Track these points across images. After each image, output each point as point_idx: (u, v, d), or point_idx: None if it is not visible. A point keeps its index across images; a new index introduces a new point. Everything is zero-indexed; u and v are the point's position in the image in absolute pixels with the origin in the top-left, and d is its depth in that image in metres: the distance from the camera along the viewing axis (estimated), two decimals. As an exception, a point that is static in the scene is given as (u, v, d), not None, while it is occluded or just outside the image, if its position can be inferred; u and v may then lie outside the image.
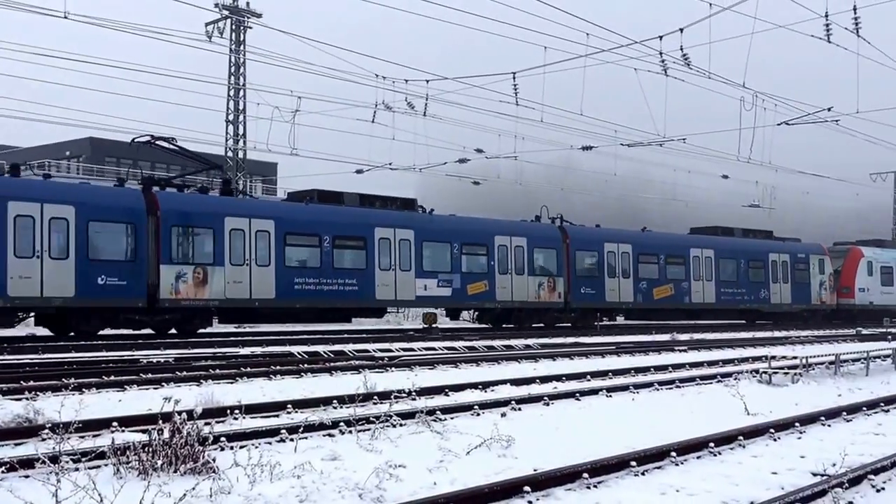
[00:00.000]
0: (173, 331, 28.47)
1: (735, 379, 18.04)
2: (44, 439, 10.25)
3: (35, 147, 59.48)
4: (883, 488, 8.71)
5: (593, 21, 23.06)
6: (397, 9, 25.59)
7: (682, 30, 22.38)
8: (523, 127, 32.72)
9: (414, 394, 14.46)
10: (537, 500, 8.20)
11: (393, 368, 20.18)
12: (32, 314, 27.21)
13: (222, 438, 10.02)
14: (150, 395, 14.88)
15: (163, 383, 16.50)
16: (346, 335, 29.92)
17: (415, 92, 28.73)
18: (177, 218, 27.74)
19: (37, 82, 34.28)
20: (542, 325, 38.25)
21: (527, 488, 8.24)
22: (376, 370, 19.51)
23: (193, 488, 7.43)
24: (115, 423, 11.08)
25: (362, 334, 30.80)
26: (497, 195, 44.00)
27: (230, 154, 44.16)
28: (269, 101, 36.28)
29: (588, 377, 18.77)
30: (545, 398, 14.85)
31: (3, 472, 8.59)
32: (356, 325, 33.76)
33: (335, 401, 13.57)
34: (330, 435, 11.16)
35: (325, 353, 23.50)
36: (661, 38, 23.09)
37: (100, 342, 24.36)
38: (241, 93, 42.33)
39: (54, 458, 7.92)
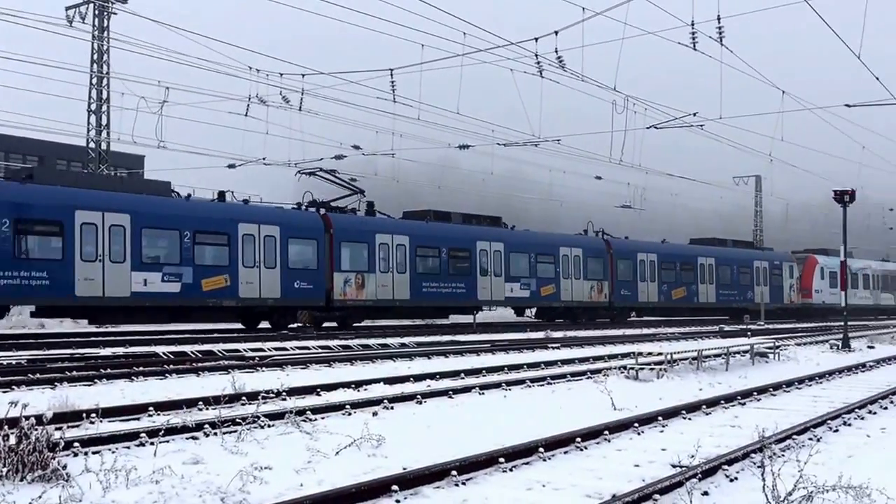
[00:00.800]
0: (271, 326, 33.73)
1: (604, 375, 18.36)
2: None
3: None
4: (736, 478, 9.00)
5: (471, 21, 23.20)
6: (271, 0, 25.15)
7: (556, 32, 22.70)
8: (401, 124, 32.71)
9: (284, 394, 14.21)
10: (405, 498, 8.15)
11: (264, 368, 19.83)
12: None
13: (76, 444, 9.63)
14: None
15: (13, 386, 15.67)
16: (216, 334, 29.30)
17: (290, 86, 28.30)
18: (344, 235, 35.07)
19: None
20: (588, 320, 45.81)
21: (395, 487, 8.19)
22: (246, 370, 19.14)
23: (40, 496, 7.10)
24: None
25: (233, 333, 30.21)
26: (374, 192, 43.90)
27: (92, 145, 42.58)
28: (135, 90, 35.02)
29: (462, 375, 18.85)
30: (418, 397, 14.83)
31: None
32: (223, 325, 33.11)
33: (201, 402, 13.24)
34: (194, 438, 10.86)
35: (192, 353, 22.91)
36: (536, 39, 23.40)
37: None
38: (105, 81, 40.87)
39: None
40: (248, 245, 31.56)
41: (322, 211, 35.55)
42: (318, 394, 15.30)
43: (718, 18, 21.27)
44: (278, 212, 34.30)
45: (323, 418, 12.48)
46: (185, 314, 31.47)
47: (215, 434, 10.92)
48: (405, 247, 37.22)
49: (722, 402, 14.97)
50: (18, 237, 25.90)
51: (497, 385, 17.01)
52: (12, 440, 8.27)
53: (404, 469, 8.90)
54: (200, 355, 22.50)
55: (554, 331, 36.56)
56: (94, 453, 9.39)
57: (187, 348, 23.60)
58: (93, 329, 32.17)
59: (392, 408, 13.83)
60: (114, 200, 28.40)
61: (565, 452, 10.43)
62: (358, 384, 16.52)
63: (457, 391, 15.88)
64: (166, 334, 29.70)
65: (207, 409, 12.86)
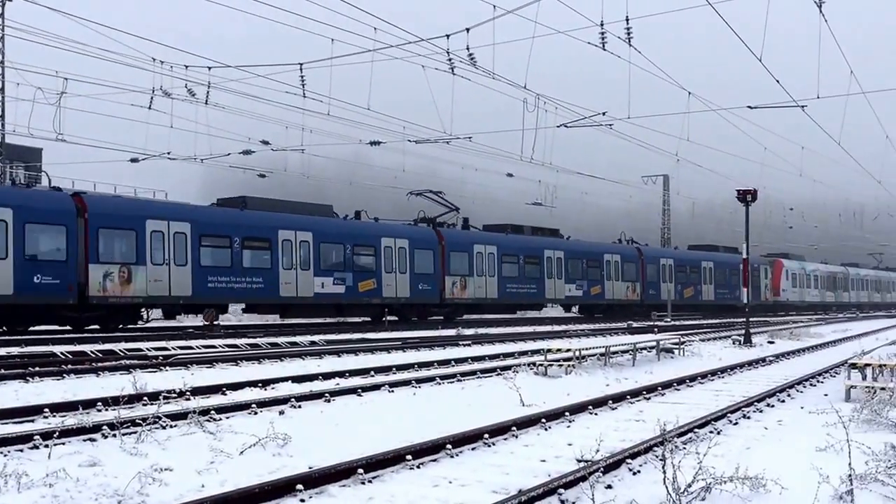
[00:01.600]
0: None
1: (514, 372, 18.51)
2: None
3: None
4: (639, 471, 9.13)
5: (381, 16, 23.06)
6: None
7: (468, 30, 22.72)
8: (311, 119, 32.32)
9: (188, 393, 13.94)
10: (310, 498, 8.07)
11: (168, 368, 19.38)
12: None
13: (-36, 448, 9.26)
14: None
15: None
16: (118, 333, 28.59)
17: (196, 79, 27.67)
18: (452, 246, 43.59)
19: None
20: (624, 316, 52.00)
21: (300, 487, 8.09)
22: (149, 370, 18.68)
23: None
24: None
25: (136, 332, 29.53)
26: (284, 188, 43.38)
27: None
28: (32, 81, 33.79)
29: (372, 373, 18.76)
30: (327, 395, 14.69)
31: None
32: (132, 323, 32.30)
33: (99, 403, 12.88)
34: (91, 439, 10.56)
35: (92, 352, 22.26)
36: (448, 36, 23.37)
37: None
38: (0, 71, 39.47)
39: None
40: (388, 255, 40.21)
41: (432, 226, 44.17)
42: (223, 393, 15.04)
43: (627, 19, 21.56)
44: (407, 228, 42.88)
45: (228, 418, 12.28)
46: (347, 310, 39.91)
47: (114, 435, 10.62)
48: (494, 255, 45.98)
49: (628, 397, 15.20)
50: (243, 252, 34.23)
51: (407, 382, 16.97)
52: None
53: (310, 468, 8.80)
54: (101, 355, 21.89)
55: (465, 328, 36.74)
56: (-17, 457, 9.04)
57: (87, 348, 22.90)
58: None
59: (300, 406, 13.69)
60: (301, 222, 36.83)
61: (473, 449, 10.45)
62: (265, 383, 16.30)
63: (366, 389, 15.80)
64: (65, 333, 28.81)
65: (106, 409, 12.49)
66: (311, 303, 37.31)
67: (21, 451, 9.79)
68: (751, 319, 32.11)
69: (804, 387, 17.58)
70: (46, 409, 12.37)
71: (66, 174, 47.06)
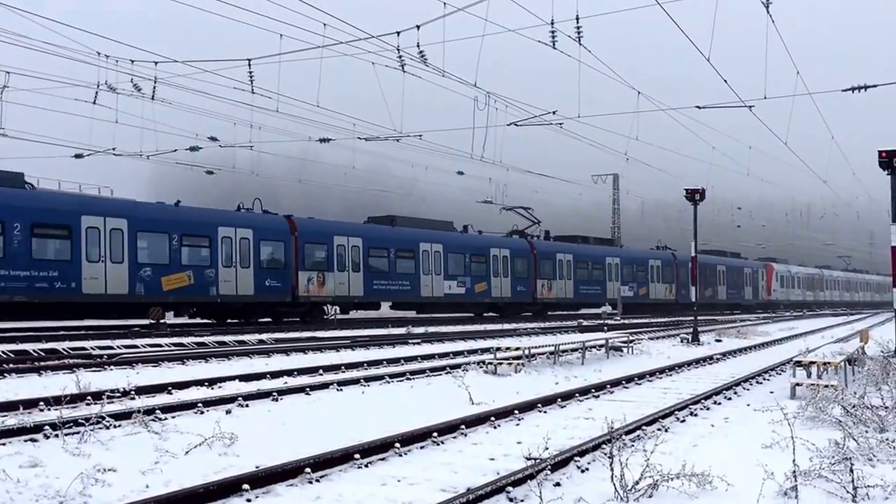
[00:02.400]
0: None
1: (463, 370, 18.49)
2: None
3: None
4: (588, 469, 9.15)
5: (331, 12, 22.88)
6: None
7: (418, 27, 22.65)
8: (259, 116, 31.96)
9: (133, 393, 13.75)
10: (257, 497, 8.00)
11: (112, 367, 19.04)
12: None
13: None
14: None
15: None
16: (62, 332, 28.10)
17: (142, 73, 27.21)
18: (542, 255, 53.05)
19: None
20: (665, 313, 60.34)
21: (246, 486, 8.02)
22: (93, 369, 18.36)
23: None
24: None
25: (81, 331, 29.04)
26: (233, 185, 42.92)
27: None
28: (-29, 74, 33.01)
29: (320, 371, 18.64)
30: (274, 394, 14.57)
31: None
32: (77, 322, 31.74)
33: (41, 402, 12.66)
34: (32, 440, 10.35)
35: (34, 351, 21.83)
36: (398, 33, 23.27)
37: None
38: (-63, 63, 38.56)
39: None
40: (495, 263, 49.28)
41: (526, 238, 53.47)
42: (169, 392, 14.84)
43: (577, 18, 21.59)
44: (507, 239, 52.25)
45: (173, 417, 12.12)
46: (466, 307, 49.29)
47: (56, 436, 10.42)
48: (571, 262, 55.36)
49: (577, 395, 15.26)
50: (396, 261, 42.93)
51: (355, 381, 16.88)
52: None
53: (257, 467, 8.73)
54: (43, 354, 21.48)
55: (415, 327, 36.69)
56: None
57: (29, 346, 22.45)
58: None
59: (247, 405, 13.55)
60: (434, 236, 45.81)
61: (421, 447, 10.42)
62: (212, 382, 16.12)
63: (314, 388, 15.69)
64: (7, 332, 28.22)
65: (49, 409, 12.29)
66: (442, 301, 46.60)
67: (-42, 452, 9.57)
68: (726, 317, 32.44)
69: (750, 384, 17.79)
70: (-15, 410, 12.09)
71: (8, 169, 46.31)
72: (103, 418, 11.00)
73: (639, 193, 72.40)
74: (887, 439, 9.96)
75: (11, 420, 11.04)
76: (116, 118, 29.86)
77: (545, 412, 13.56)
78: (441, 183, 55.96)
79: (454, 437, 11.09)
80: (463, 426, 11.51)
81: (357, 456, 9.39)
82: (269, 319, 37.72)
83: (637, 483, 7.83)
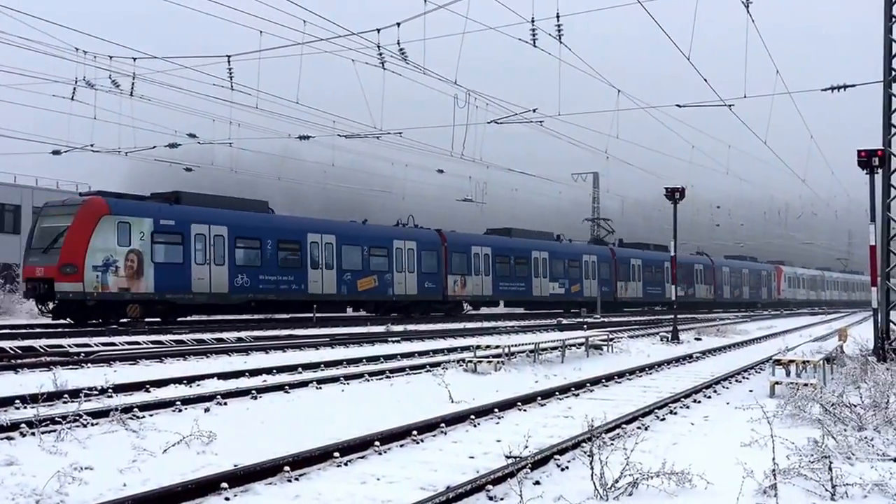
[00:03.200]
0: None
1: (443, 368, 18.47)
2: None
3: None
4: (567, 467, 9.15)
5: (311, 9, 22.78)
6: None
7: (399, 24, 22.60)
8: (239, 113, 31.93)
9: (110, 391, 13.62)
10: (235, 496, 7.94)
11: (89, 365, 18.88)
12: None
13: None
14: None
15: None
16: (39, 329, 27.88)
17: (120, 69, 27.01)
18: (622, 260, 63.14)
19: None
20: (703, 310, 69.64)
21: (224, 485, 7.96)
22: (70, 367, 18.18)
23: None
24: None
25: (59, 328, 28.82)
26: (212, 182, 42.68)
27: None
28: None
29: (300, 369, 18.56)
30: (253, 392, 14.50)
31: None
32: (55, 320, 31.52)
33: (17, 400, 12.52)
34: (9, 438, 10.23)
35: (10, 349, 21.61)
36: (378, 30, 23.22)
37: None
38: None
39: None
40: (586, 267, 59.01)
41: (608, 245, 65.43)
42: (147, 390, 14.74)
43: (557, 16, 21.64)
44: (594, 246, 62.54)
45: (151, 415, 12.05)
46: (565, 305, 57.32)
47: (33, 434, 10.33)
48: (640, 266, 66.15)
49: (557, 393, 15.26)
50: (515, 266, 52.65)
51: (335, 379, 16.82)
52: None
53: (235, 466, 8.67)
54: (20, 351, 21.28)
55: (394, 324, 36.64)
56: None
57: (6, 344, 22.22)
58: None
59: (225, 403, 13.47)
60: (542, 245, 55.77)
61: (401, 446, 10.39)
62: (190, 380, 16.02)
63: (293, 386, 15.62)
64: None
65: (25, 407, 12.18)
66: (548, 300, 55.82)
67: (-67, 451, 9.45)
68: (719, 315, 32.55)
69: (730, 383, 17.86)
70: (-39, 408, 11.97)
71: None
72: (80, 416, 10.89)
73: (619, 192, 72.69)
74: (866, 438, 10.01)
75: (-13, 418, 10.91)
76: (95, 114, 29.69)
77: (525, 410, 13.56)
78: (421, 181, 56.05)
79: (434, 436, 11.07)
80: (443, 424, 11.48)
81: (336, 454, 9.34)
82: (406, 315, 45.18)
83: (617, 481, 7.83)
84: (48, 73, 29.18)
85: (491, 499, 7.88)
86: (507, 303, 55.20)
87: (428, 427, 11.21)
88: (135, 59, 26.56)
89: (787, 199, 75.32)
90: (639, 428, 11.71)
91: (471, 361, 19.20)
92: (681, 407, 14.02)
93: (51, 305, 31.69)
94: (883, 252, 19.85)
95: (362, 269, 42.51)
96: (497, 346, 20.77)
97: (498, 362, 19.42)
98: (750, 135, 30.20)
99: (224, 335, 27.67)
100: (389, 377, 17.84)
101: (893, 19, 19.89)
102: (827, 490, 7.82)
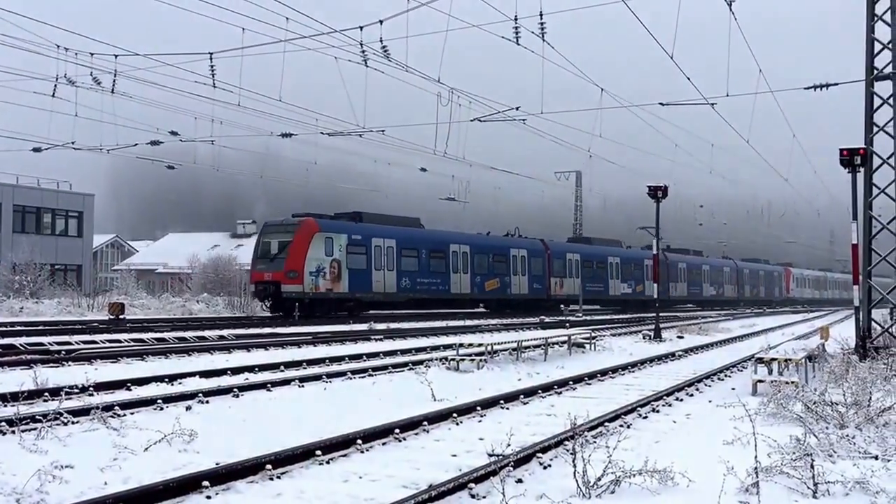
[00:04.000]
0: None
1: (426, 366, 18.43)
2: None
3: None
4: (550, 465, 9.15)
5: (293, 6, 22.68)
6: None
7: (381, 21, 22.53)
8: (221, 110, 31.64)
9: (91, 389, 13.54)
10: (217, 494, 7.91)
11: (70, 363, 18.76)
12: None
13: None
14: None
15: None
16: (19, 327, 27.69)
17: (102, 66, 26.79)
18: (672, 265, 69.55)
19: None
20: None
21: (206, 483, 7.93)
22: (50, 365, 18.04)
23: None
24: None
25: (39, 326, 28.65)
26: (194, 180, 42.60)
27: None
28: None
29: (282, 368, 18.50)
30: (235, 390, 14.44)
31: None
32: (34, 318, 31.35)
33: (-3, 398, 12.42)
34: (-11, 436, 10.15)
35: (-9, 347, 21.48)
36: (361, 28, 23.13)
37: None
38: None
39: None
40: (647, 270, 65.35)
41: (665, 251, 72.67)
42: (128, 388, 14.66)
43: (541, 14, 21.56)
44: (642, 252, 66.42)
45: (132, 414, 11.98)
46: (603, 303, 64.39)
47: (13, 432, 10.24)
48: (685, 268, 75.54)
49: (539, 391, 15.28)
50: (596, 269, 62.36)
51: (317, 377, 16.77)
52: None
53: (217, 464, 8.65)
54: (0, 349, 21.12)
55: (377, 323, 36.60)
56: None
57: (-14, 342, 22.11)
58: None
59: (207, 402, 13.41)
60: (614, 251, 66.09)
61: (384, 444, 10.37)
62: (172, 378, 15.94)
63: (276, 384, 15.56)
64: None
65: (5, 405, 12.07)
66: (620, 299, 65.76)
67: (-90, 450, 9.36)
68: (701, 313, 32.63)
69: (712, 381, 17.92)
70: (-61, 406, 11.87)
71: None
72: (61, 414, 10.79)
73: (601, 190, 72.87)
74: (847, 435, 10.06)
75: (-35, 417, 10.81)
76: (76, 111, 29.45)
77: (508, 409, 13.56)
78: (404, 179, 55.99)
79: (416, 434, 11.05)
80: (425, 423, 11.47)
81: (318, 452, 9.32)
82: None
83: (599, 479, 7.84)
84: (29, 70, 28.95)
85: (473, 497, 7.87)
86: (585, 301, 59.82)
87: (410, 425, 11.19)
88: (116, 56, 26.35)
89: (769, 197, 75.79)
90: (621, 426, 11.72)
91: (453, 360, 19.18)
92: (663, 405, 14.05)
93: (269, 302, 41.34)
94: (865, 250, 19.95)
95: (488, 273, 52.80)
96: (480, 345, 20.78)
97: (481, 361, 19.41)
98: (733, 133, 30.29)
99: (206, 333, 27.56)
100: (372, 375, 17.80)
101: (876, 18, 19.99)
102: (809, 488, 7.85)
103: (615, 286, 65.53)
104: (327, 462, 9.26)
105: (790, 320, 54.01)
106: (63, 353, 20.57)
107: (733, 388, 16.33)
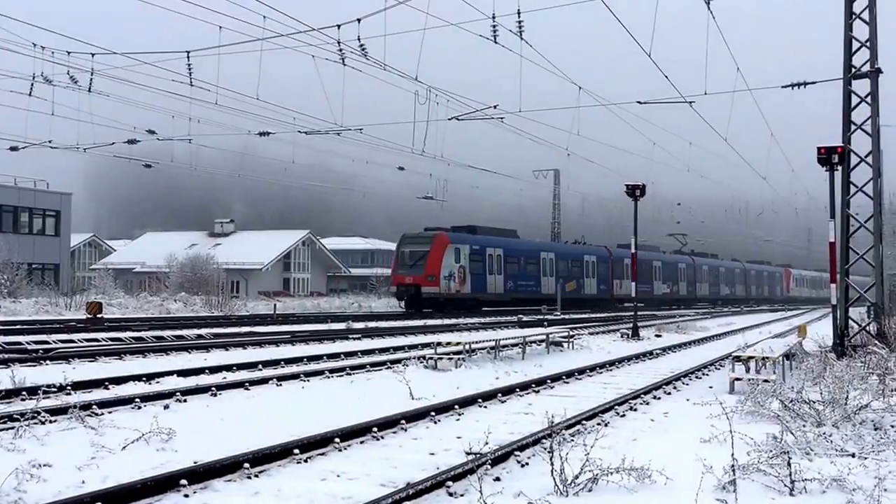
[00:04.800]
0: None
1: (404, 365, 18.42)
2: None
3: None
4: (527, 463, 9.18)
5: (270, 4, 22.57)
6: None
7: (359, 20, 22.47)
8: (198, 109, 31.48)
9: (69, 388, 13.46)
10: (195, 493, 7.88)
11: (48, 362, 18.66)
12: None
13: None
14: None
15: None
16: (-3, 326, 27.48)
17: (78, 65, 26.59)
18: (697, 267, 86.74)
19: None
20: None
21: (184, 482, 7.91)
22: (28, 364, 17.93)
23: None
24: None
25: (17, 325, 28.43)
26: (171, 179, 42.45)
27: None
28: None
29: (260, 367, 18.45)
30: (213, 389, 14.40)
31: None
32: (12, 317, 31.11)
33: (-26, 398, 12.33)
34: (-35, 435, 10.07)
35: (-32, 346, 21.32)
36: (338, 26, 23.07)
37: None
38: None
39: None
40: (680, 272, 79.37)
41: (689, 254, 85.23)
42: (106, 387, 14.58)
43: (518, 12, 21.56)
44: (683, 256, 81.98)
45: (110, 412, 11.94)
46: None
47: (-10, 431, 10.18)
48: (706, 270, 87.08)
49: (517, 390, 15.31)
50: (645, 272, 69.90)
51: (295, 376, 16.74)
52: None
53: (195, 463, 8.61)
54: (-24, 348, 20.97)
55: (356, 322, 36.56)
56: None
57: (-38, 341, 21.92)
58: None
59: (185, 401, 13.36)
60: (656, 256, 76.60)
61: (361, 442, 10.37)
62: (150, 377, 15.87)
63: (254, 383, 15.52)
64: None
65: (-18, 405, 11.98)
66: (658, 299, 75.03)
67: None
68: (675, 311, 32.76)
69: (690, 379, 18.01)
70: (-86, 405, 11.77)
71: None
72: (39, 413, 10.75)
73: (579, 189, 73.18)
74: (824, 433, 10.15)
75: (-59, 416, 10.74)
76: (53, 110, 29.25)
77: (485, 407, 13.58)
78: (381, 178, 56.07)
79: (394, 433, 11.05)
80: (403, 421, 11.47)
81: (296, 451, 9.30)
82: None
83: (577, 477, 7.87)
84: (5, 69, 28.68)
85: (451, 495, 7.88)
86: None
87: (388, 424, 11.19)
88: (93, 55, 26.17)
89: (747, 196, 76.23)
90: (599, 424, 11.76)
91: (431, 358, 19.19)
92: (641, 403, 14.11)
93: (402, 302, 51.52)
94: (842, 249, 20.10)
95: (568, 276, 62.49)
96: (458, 343, 20.79)
97: (459, 359, 19.43)
98: (711, 132, 30.49)
99: (184, 332, 27.44)
100: (350, 374, 17.78)
101: (854, 16, 20.15)
102: (786, 485, 7.91)
103: (658, 287, 76.53)
104: (305, 461, 9.25)
105: (767, 319, 54.31)
106: (41, 352, 20.41)
107: (711, 387, 16.43)
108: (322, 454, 9.61)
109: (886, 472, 8.10)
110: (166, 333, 26.81)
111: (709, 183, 58.59)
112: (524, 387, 15.70)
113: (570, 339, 25.87)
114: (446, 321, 40.41)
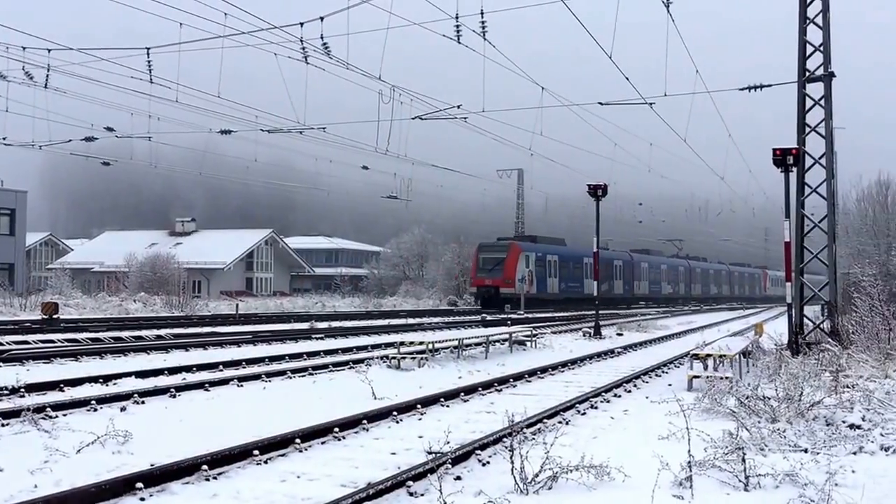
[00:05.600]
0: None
1: (367, 365, 18.37)
2: None
3: None
4: (488, 462, 9.18)
5: (232, 1, 22.37)
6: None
7: (322, 18, 22.35)
8: (158, 106, 31.07)
9: (22, 390, 13.29)
10: (151, 496, 7.80)
11: (1, 364, 18.38)
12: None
13: None
14: None
15: None
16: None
17: (34, 61, 26.19)
18: (693, 269, 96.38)
19: None
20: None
21: (140, 485, 7.82)
22: (-20, 366, 17.70)
23: None
24: None
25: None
26: (131, 177, 42.03)
27: None
28: None
29: (221, 367, 18.31)
30: (172, 390, 14.26)
31: None
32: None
33: (-76, 400, 12.13)
34: (-86, 439, 9.90)
35: (-80, 348, 20.93)
36: (301, 24, 22.93)
37: None
38: None
39: None
40: (678, 273, 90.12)
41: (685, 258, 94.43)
42: (61, 389, 14.41)
43: (482, 13, 21.56)
44: (681, 260, 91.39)
45: (65, 415, 11.79)
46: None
47: (-61, 435, 10.01)
48: (699, 273, 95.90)
49: (480, 389, 15.32)
50: (650, 274, 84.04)
51: (257, 377, 16.63)
52: None
53: (151, 465, 8.52)
54: (-70, 350, 20.60)
55: (319, 322, 36.42)
56: None
57: (-86, 343, 21.53)
58: None
59: (143, 402, 13.23)
60: (651, 259, 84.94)
61: (323, 443, 10.33)
62: (107, 378, 15.71)
63: (214, 384, 15.41)
64: None
65: (-69, 408, 11.77)
66: (667, 297, 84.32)
67: None
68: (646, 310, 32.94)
69: (649, 377, 18.14)
70: None
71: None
72: (-10, 417, 10.60)
73: (543, 189, 73.31)
74: (779, 429, 10.26)
75: None
76: (7, 107, 28.78)
77: (448, 406, 13.58)
78: (345, 177, 55.79)
79: (356, 433, 11.02)
80: (365, 421, 11.44)
81: (256, 452, 9.24)
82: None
83: (537, 475, 7.88)
84: (-42, 64, 28.21)
85: (411, 495, 7.86)
86: (648, 298, 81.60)
87: (350, 424, 11.16)
88: (49, 51, 25.79)
89: (706, 196, 76.84)
90: (560, 422, 11.81)
91: (394, 358, 19.16)
92: (601, 401, 14.19)
93: (477, 301, 60.64)
94: (797, 248, 20.34)
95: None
96: (421, 343, 20.76)
97: (422, 359, 19.40)
98: (671, 133, 30.62)
99: (143, 333, 27.16)
100: (312, 374, 17.71)
101: (808, 21, 20.38)
102: (740, 481, 7.99)
103: (664, 287, 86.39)
104: (265, 462, 9.19)
105: (727, 317, 54.83)
106: (-6, 353, 20.11)
107: (670, 384, 16.55)
108: (282, 455, 9.55)
109: (837, 467, 8.21)
110: (125, 334, 26.54)
111: (669, 183, 59.01)
112: (487, 386, 15.72)
113: (534, 339, 25.95)
114: (410, 321, 40.35)
